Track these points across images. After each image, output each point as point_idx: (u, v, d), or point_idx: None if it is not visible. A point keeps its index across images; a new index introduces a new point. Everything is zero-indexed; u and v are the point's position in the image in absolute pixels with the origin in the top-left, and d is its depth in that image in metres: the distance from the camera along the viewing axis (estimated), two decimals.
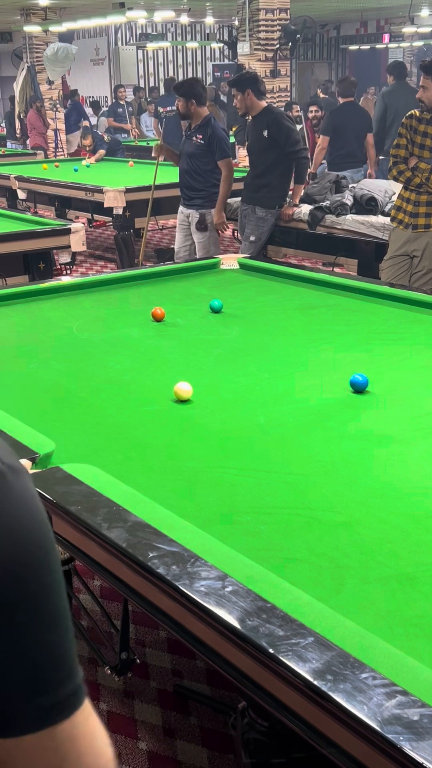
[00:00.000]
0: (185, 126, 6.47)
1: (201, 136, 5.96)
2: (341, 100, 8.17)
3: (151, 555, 1.58)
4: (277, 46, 10.22)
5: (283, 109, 9.26)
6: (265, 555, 1.63)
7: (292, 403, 2.48)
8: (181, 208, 6.25)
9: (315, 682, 1.25)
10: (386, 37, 16.79)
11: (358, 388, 2.49)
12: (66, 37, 14.11)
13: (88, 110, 15.66)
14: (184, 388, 2.46)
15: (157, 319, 3.33)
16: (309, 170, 9.41)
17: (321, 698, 1.24)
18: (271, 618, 1.38)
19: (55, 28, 11.44)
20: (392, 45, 16.90)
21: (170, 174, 7.06)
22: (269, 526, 1.76)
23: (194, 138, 6.01)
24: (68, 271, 6.48)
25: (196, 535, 1.65)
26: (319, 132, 8.13)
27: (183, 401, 2.44)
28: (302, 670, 1.27)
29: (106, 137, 11.15)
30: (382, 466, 2.03)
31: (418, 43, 16.52)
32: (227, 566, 1.53)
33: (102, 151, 10.37)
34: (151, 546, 1.60)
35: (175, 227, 6.64)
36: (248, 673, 1.38)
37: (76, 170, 9.35)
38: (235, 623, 1.37)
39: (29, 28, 11.97)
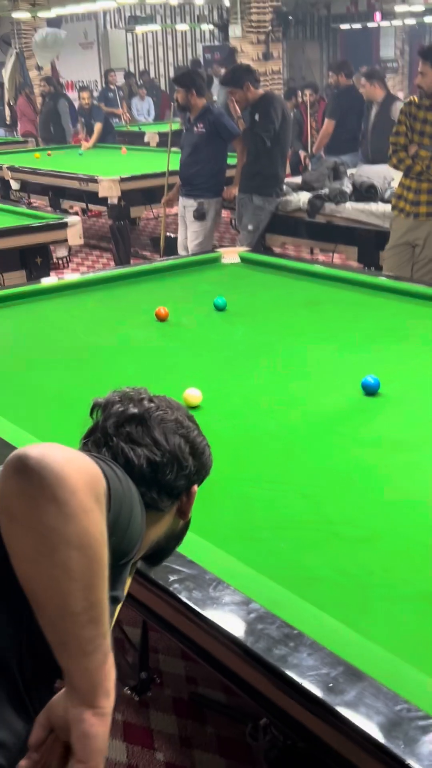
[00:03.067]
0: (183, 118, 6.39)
1: (202, 125, 5.90)
2: (347, 82, 8.07)
3: (171, 579, 1.55)
4: (269, 28, 10.10)
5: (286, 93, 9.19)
6: (287, 574, 1.60)
7: (303, 407, 2.44)
8: (180, 199, 6.19)
9: (348, 717, 1.23)
10: (378, 15, 16.58)
11: (370, 391, 2.46)
12: (54, 22, 13.96)
13: (74, 95, 15.48)
14: (193, 394, 2.42)
15: (161, 318, 3.29)
16: (302, 153, 9.36)
17: (355, 733, 1.22)
18: (299, 646, 1.36)
19: (44, 15, 11.29)
20: (384, 23, 16.72)
21: (170, 162, 7.00)
22: (289, 542, 1.74)
23: (196, 128, 5.94)
24: (66, 265, 6.42)
25: (216, 556, 1.63)
26: (327, 115, 7.99)
27: (193, 407, 2.41)
28: (333, 702, 1.25)
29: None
30: (400, 475, 2.00)
31: (410, 21, 16.35)
32: (250, 590, 1.51)
33: (99, 125, 10.24)
34: (170, 569, 1.57)
35: (168, 217, 6.59)
36: (278, 703, 1.35)
37: (80, 154, 9.36)
38: (263, 654, 1.35)
39: (18, 15, 11.81)
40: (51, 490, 0.99)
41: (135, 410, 1.36)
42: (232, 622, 1.42)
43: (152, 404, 1.38)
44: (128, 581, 1.31)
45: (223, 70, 10.31)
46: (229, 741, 2.36)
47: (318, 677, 1.29)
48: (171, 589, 1.52)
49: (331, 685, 1.27)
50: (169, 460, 1.34)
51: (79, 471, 1.02)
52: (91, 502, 1.02)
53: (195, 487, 1.42)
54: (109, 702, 1.07)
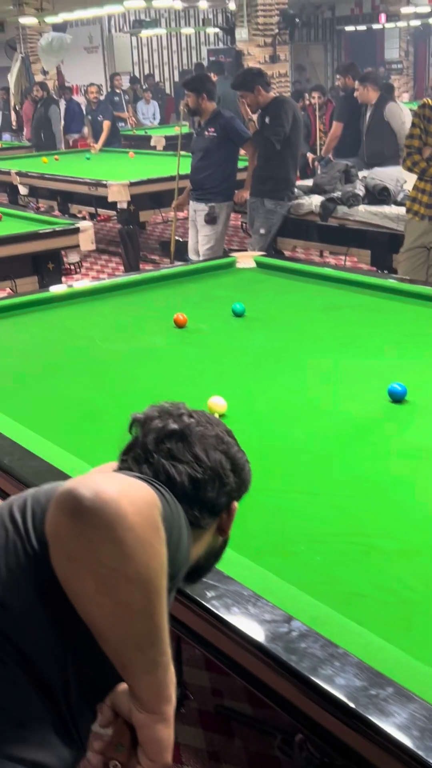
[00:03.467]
0: (191, 123, 6.36)
1: (213, 129, 5.88)
2: (354, 85, 8.03)
3: (209, 595, 1.51)
4: (276, 31, 10.08)
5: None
6: (326, 590, 1.57)
7: (330, 415, 2.41)
8: (191, 203, 6.16)
9: (400, 739, 1.19)
10: (382, 17, 16.55)
11: (397, 398, 2.42)
12: (59, 27, 13.93)
13: (81, 99, 15.49)
14: (218, 403, 2.39)
15: (180, 325, 3.25)
16: (310, 155, 9.33)
17: (407, 756, 1.18)
18: (345, 666, 1.32)
19: (51, 20, 11.27)
20: (389, 25, 16.69)
21: (175, 166, 6.97)
22: (325, 556, 1.70)
23: (206, 132, 5.92)
24: (78, 271, 6.40)
25: (252, 571, 1.59)
26: (335, 118, 7.96)
27: (218, 416, 2.37)
28: (385, 725, 1.21)
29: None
30: None
31: (415, 23, 16.32)
32: (290, 606, 1.47)
33: (107, 123, 10.22)
34: (207, 584, 1.53)
35: (178, 220, 6.56)
36: (323, 723, 1.31)
37: (88, 159, 9.35)
38: (308, 673, 1.31)
39: (25, 20, 11.80)
40: (109, 531, 0.98)
41: (175, 426, 1.32)
42: (274, 641, 1.38)
43: (192, 419, 1.35)
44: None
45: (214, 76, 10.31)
46: (258, 755, 2.33)
47: (368, 699, 1.25)
48: (209, 605, 1.49)
49: (380, 707, 1.24)
50: (211, 476, 1.31)
51: (134, 503, 1.00)
52: (150, 533, 1.00)
53: (235, 503, 1.39)
54: (171, 707, 1.12)
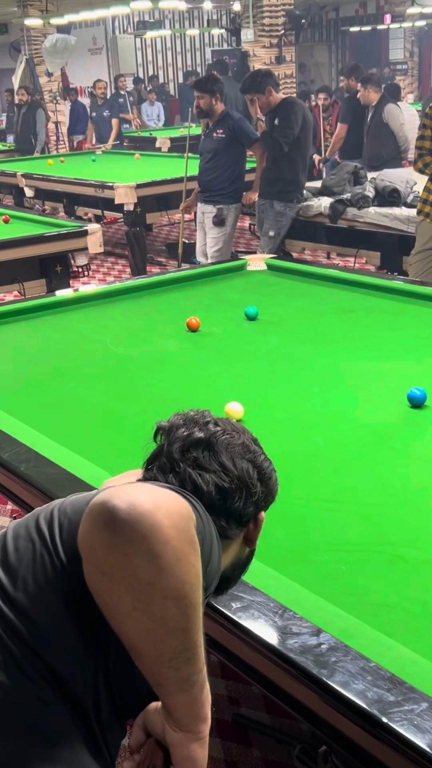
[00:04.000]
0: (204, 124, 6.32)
1: (222, 131, 5.85)
2: (357, 86, 8.02)
3: (235, 606, 1.49)
4: (282, 32, 10.05)
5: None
6: (353, 601, 1.54)
7: (348, 420, 2.38)
8: (199, 205, 6.14)
9: None
10: (387, 17, 16.53)
11: (417, 403, 2.39)
12: (64, 28, 13.92)
13: (86, 101, 15.48)
14: (235, 408, 2.36)
15: (192, 329, 3.23)
16: (316, 156, 9.30)
17: None
18: (377, 680, 1.29)
19: (56, 21, 11.25)
20: (394, 26, 16.66)
21: (181, 167, 6.94)
22: (350, 565, 1.67)
23: (215, 134, 5.89)
24: (86, 274, 6.37)
25: (277, 582, 1.56)
26: (339, 119, 7.95)
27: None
28: (421, 742, 1.18)
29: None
30: None
31: (420, 23, 16.29)
32: (318, 618, 1.44)
33: (116, 121, 10.22)
34: (233, 595, 1.50)
35: (184, 222, 6.54)
36: (356, 740, 1.29)
37: (93, 160, 9.34)
38: (339, 687, 1.28)
39: (30, 22, 11.78)
40: (144, 545, 0.95)
41: (201, 434, 1.30)
42: (303, 654, 1.35)
43: (218, 428, 1.32)
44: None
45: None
46: (276, 765, 2.30)
47: (402, 714, 1.22)
48: (235, 617, 1.46)
49: (416, 722, 1.21)
50: (238, 486, 1.28)
51: (169, 516, 0.98)
52: (186, 546, 0.98)
53: (262, 513, 1.36)
54: (206, 726, 1.09)
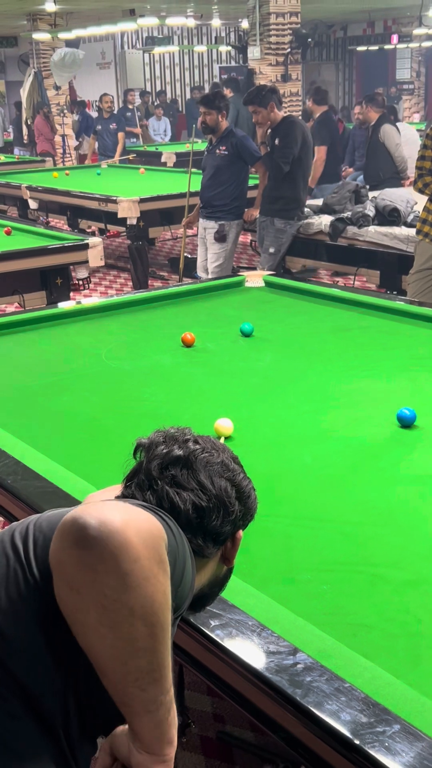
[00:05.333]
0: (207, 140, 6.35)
1: (224, 148, 5.89)
2: (318, 109, 8.08)
3: (213, 624, 1.49)
4: (288, 50, 10.12)
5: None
6: (332, 621, 1.54)
7: (338, 439, 2.38)
8: (201, 221, 6.17)
9: None
10: (394, 37, 16.64)
11: (406, 423, 2.40)
12: (72, 42, 14.04)
13: (95, 114, 15.58)
14: (225, 425, 2.36)
15: (188, 344, 3.24)
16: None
17: None
18: (351, 701, 1.29)
19: (64, 35, 11.34)
20: (401, 45, 16.76)
21: (185, 182, 6.97)
22: (332, 585, 1.67)
23: (218, 150, 5.92)
24: (86, 287, 6.39)
25: (257, 600, 1.57)
26: (318, 142, 7.95)
27: (224, 438, 2.35)
28: (392, 764, 1.18)
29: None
30: None
31: (427, 44, 16.39)
32: (296, 637, 1.45)
33: (121, 135, 10.26)
34: (212, 613, 1.51)
35: (187, 237, 6.57)
36: (329, 761, 1.28)
37: (98, 174, 9.38)
38: (314, 708, 1.28)
39: (38, 36, 11.87)
40: (113, 562, 0.96)
41: (180, 452, 1.30)
42: (279, 674, 1.36)
43: (197, 446, 1.33)
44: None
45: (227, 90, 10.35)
46: None
47: (374, 736, 1.22)
48: (213, 635, 1.46)
49: (387, 744, 1.21)
50: (215, 504, 1.28)
51: (139, 534, 0.98)
52: (155, 566, 0.98)
53: (240, 532, 1.37)
54: (172, 749, 1.10)
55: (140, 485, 1.29)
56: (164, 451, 1.31)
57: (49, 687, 1.08)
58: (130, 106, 13.81)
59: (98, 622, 0.97)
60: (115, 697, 1.04)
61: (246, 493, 1.36)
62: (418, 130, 9.56)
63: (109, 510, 1.01)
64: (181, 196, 7.07)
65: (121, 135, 10.75)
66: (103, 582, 0.96)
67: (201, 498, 1.27)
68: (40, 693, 1.08)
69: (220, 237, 5.99)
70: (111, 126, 10.96)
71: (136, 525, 1.00)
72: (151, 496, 1.27)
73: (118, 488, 1.38)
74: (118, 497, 1.31)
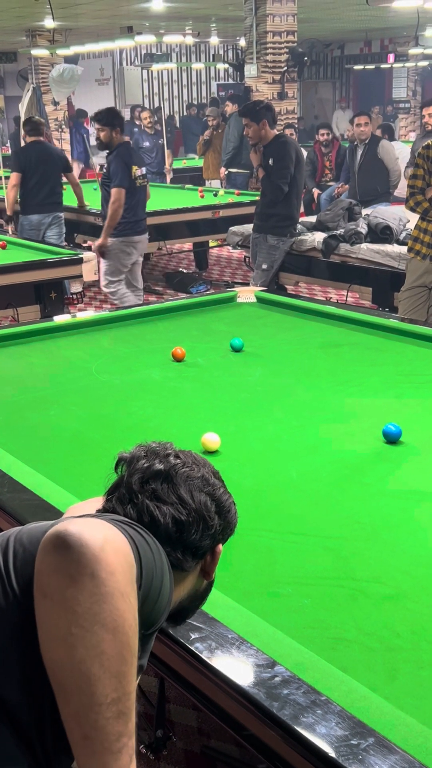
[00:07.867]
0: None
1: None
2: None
3: (193, 637, 1.50)
4: (285, 68, 10.19)
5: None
6: (312, 634, 1.56)
7: (324, 454, 2.40)
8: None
9: None
10: (391, 57, 16.77)
11: (392, 439, 2.41)
12: (71, 58, 14.12)
13: (92, 130, 15.63)
14: (212, 440, 2.38)
15: (178, 359, 3.26)
16: (316, 191, 9.43)
17: None
18: (326, 714, 1.30)
19: (62, 52, 11.41)
20: (397, 65, 16.89)
21: (180, 198, 7.02)
22: (313, 599, 1.68)
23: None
24: (81, 300, 6.42)
25: (238, 613, 1.58)
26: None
27: (211, 452, 2.37)
28: None
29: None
30: (426, 529, 1.95)
31: (423, 63, 16.51)
32: (275, 650, 1.46)
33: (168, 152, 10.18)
34: (192, 626, 1.52)
35: (181, 252, 6.56)
36: None
37: (95, 189, 9.38)
38: (289, 721, 1.29)
39: (37, 52, 11.95)
40: (90, 568, 0.97)
41: (161, 467, 1.32)
42: (256, 686, 1.37)
43: (178, 460, 1.34)
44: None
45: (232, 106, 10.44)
46: None
47: (348, 749, 1.23)
48: (192, 648, 1.47)
49: (361, 757, 1.22)
50: (195, 519, 1.29)
51: (117, 553, 1.00)
52: (128, 586, 1.00)
53: (220, 546, 1.38)
54: None
55: (121, 499, 1.30)
56: (145, 465, 1.32)
57: (24, 699, 1.09)
58: (137, 122, 13.80)
59: (68, 630, 0.97)
60: (76, 732, 0.98)
61: (226, 508, 1.37)
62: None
63: (91, 523, 1.03)
64: (177, 211, 7.11)
65: (168, 152, 10.60)
66: (77, 586, 0.97)
67: (181, 512, 1.28)
68: (16, 703, 1.08)
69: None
70: (159, 142, 10.66)
71: (115, 544, 1.02)
72: (131, 509, 1.28)
73: (99, 500, 1.39)
74: (99, 510, 1.33)
